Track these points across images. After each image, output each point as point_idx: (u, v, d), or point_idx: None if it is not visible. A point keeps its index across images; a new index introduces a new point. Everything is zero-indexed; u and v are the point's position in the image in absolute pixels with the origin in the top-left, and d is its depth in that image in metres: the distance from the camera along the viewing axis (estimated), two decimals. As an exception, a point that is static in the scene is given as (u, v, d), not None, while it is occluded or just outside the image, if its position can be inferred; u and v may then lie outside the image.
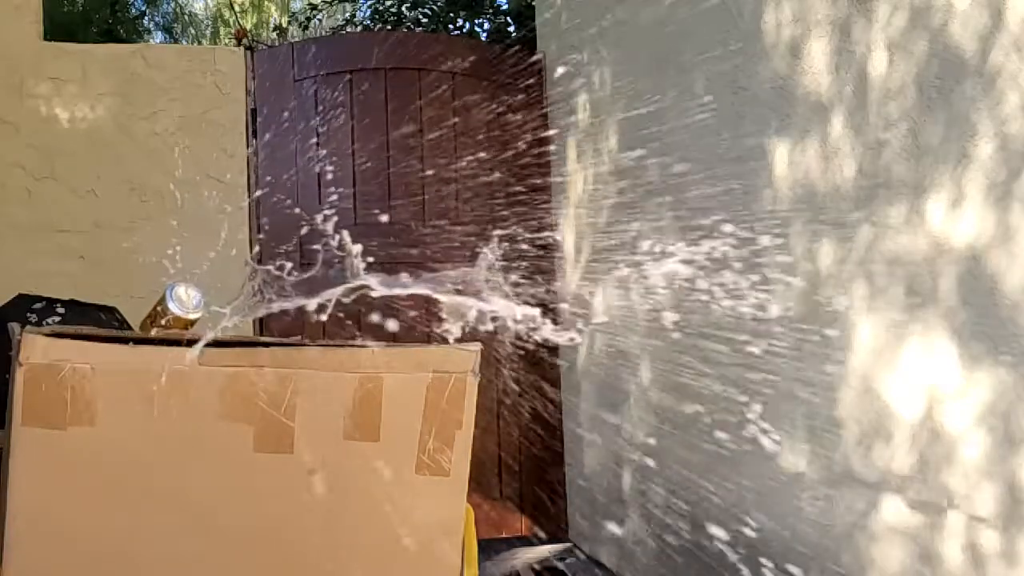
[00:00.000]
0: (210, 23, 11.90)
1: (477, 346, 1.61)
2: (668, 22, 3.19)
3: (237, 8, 11.50)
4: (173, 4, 10.79)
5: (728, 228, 2.87)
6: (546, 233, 4.08)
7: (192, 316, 1.72)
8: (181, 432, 1.51)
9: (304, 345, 1.57)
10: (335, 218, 3.84)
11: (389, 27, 5.95)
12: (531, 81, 4.11)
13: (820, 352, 2.46)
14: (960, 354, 2.03)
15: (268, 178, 3.87)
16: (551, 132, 4.10)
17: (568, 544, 4.01)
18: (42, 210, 3.67)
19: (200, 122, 3.81)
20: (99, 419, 1.48)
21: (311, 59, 3.94)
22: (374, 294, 1.49)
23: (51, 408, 1.46)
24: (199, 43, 11.06)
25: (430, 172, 4.01)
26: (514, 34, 5.43)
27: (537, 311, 1.54)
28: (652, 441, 3.33)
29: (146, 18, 10.34)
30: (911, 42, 2.15)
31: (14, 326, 1.51)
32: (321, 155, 3.93)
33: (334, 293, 1.44)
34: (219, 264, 3.84)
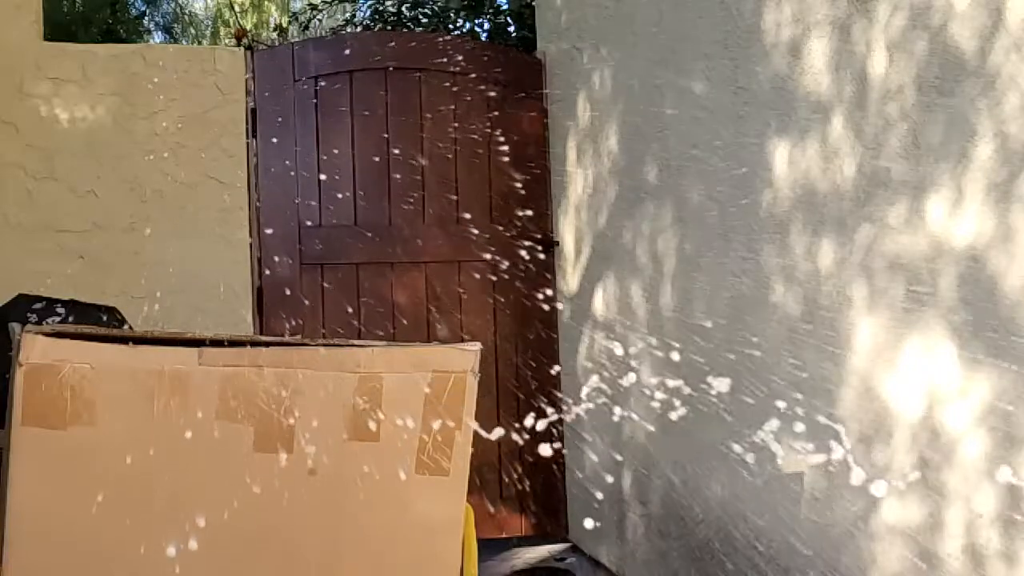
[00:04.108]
0: (210, 23, 11.90)
1: (477, 346, 1.61)
2: (668, 22, 3.19)
3: (237, 8, 11.50)
4: (173, 4, 10.79)
5: (728, 228, 2.87)
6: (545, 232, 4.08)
7: None
8: (181, 432, 1.51)
9: (304, 345, 1.57)
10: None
11: (389, 27, 5.94)
12: (531, 81, 4.11)
13: (820, 352, 2.46)
14: (960, 354, 2.03)
15: (268, 178, 3.87)
16: (551, 132, 4.10)
17: (568, 544, 4.00)
18: (42, 210, 3.66)
19: (200, 122, 3.81)
20: (99, 419, 1.48)
21: (311, 59, 3.94)
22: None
23: (51, 408, 1.46)
24: (199, 43, 11.06)
25: (430, 172, 4.01)
26: (514, 34, 5.43)
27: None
28: (652, 441, 3.33)
29: (146, 18, 10.34)
30: (911, 42, 2.15)
31: (14, 326, 1.51)
32: (321, 155, 3.93)
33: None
34: (219, 264, 3.84)
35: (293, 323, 3.81)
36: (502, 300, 4.05)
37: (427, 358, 1.60)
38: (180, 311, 3.69)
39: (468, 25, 5.94)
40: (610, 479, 3.65)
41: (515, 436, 4.09)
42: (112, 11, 8.10)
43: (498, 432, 3.49)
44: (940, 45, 2.06)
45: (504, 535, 3.99)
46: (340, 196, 3.92)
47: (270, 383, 1.52)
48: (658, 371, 3.25)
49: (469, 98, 4.05)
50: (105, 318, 2.77)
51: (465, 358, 1.60)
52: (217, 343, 1.54)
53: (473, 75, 4.06)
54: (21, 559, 1.47)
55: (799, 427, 2.54)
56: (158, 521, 1.52)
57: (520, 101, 4.09)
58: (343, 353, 1.56)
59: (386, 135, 3.97)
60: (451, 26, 5.89)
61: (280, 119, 3.88)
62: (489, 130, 4.06)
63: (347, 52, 4.04)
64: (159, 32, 10.71)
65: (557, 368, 4.07)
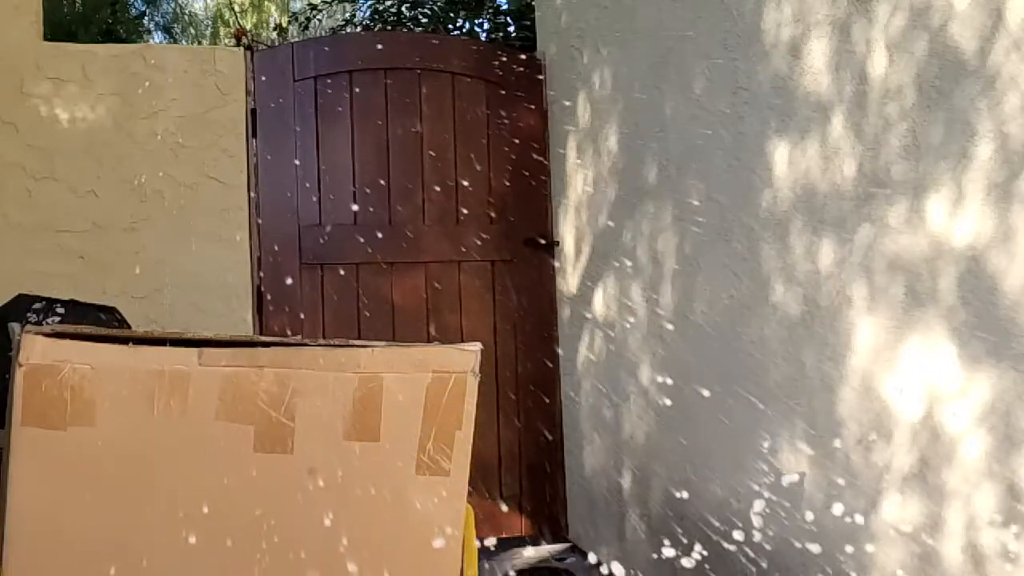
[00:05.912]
0: (210, 23, 11.91)
1: (477, 346, 1.61)
2: (668, 22, 3.19)
3: (237, 8, 11.51)
4: (173, 4, 10.80)
5: (728, 228, 2.87)
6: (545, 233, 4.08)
7: None
8: (181, 432, 1.51)
9: (304, 345, 1.57)
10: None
11: (389, 27, 5.95)
12: (531, 81, 4.11)
13: (820, 352, 2.46)
14: (960, 354, 2.03)
15: (268, 178, 3.87)
16: (551, 132, 4.10)
17: (568, 544, 4.01)
18: (42, 210, 3.66)
19: (200, 122, 3.81)
20: (99, 419, 1.48)
21: (311, 59, 3.94)
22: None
23: (51, 408, 1.46)
24: (199, 43, 11.06)
25: (430, 172, 4.01)
26: (514, 34, 5.43)
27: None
28: (652, 441, 3.33)
29: (146, 18, 10.35)
30: (911, 42, 2.15)
31: (14, 326, 1.51)
32: (321, 155, 3.93)
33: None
34: (219, 264, 3.84)
35: (293, 323, 3.81)
36: (502, 300, 4.05)
37: (427, 358, 1.60)
38: (180, 311, 3.69)
39: (468, 25, 5.95)
40: (610, 479, 3.65)
41: (515, 436, 4.09)
42: (112, 11, 8.10)
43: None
44: (940, 45, 2.06)
45: (504, 535, 3.99)
46: (340, 196, 3.92)
47: (270, 383, 1.52)
48: (658, 371, 3.25)
49: (469, 98, 4.05)
50: (105, 318, 2.77)
51: (465, 358, 1.60)
52: (217, 343, 1.54)
53: (473, 75, 4.06)
54: (21, 559, 1.47)
55: (799, 427, 2.54)
56: (158, 522, 1.52)
57: (520, 101, 4.09)
58: (343, 353, 1.56)
59: (386, 135, 3.97)
60: (451, 26, 5.90)
61: (280, 119, 3.88)
62: (489, 130, 4.06)
63: (347, 52, 4.04)
64: (159, 32, 10.73)
65: (557, 368, 4.07)
